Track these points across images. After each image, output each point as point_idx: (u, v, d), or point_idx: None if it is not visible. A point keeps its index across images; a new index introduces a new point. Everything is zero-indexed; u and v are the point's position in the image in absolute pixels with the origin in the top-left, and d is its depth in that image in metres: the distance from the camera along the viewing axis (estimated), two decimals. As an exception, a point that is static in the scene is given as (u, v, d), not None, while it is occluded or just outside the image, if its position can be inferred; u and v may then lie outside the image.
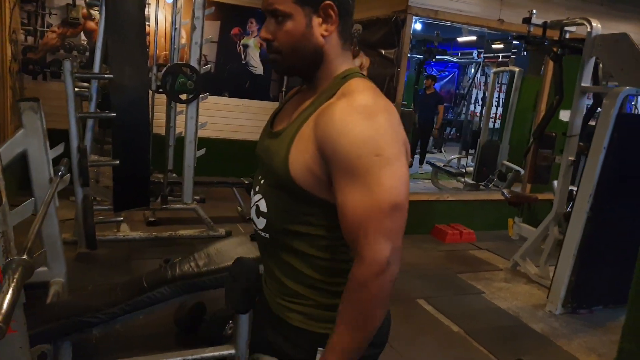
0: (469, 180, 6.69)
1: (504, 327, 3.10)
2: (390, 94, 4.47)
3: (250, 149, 6.88)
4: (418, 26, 7.13)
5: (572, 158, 3.59)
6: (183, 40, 4.93)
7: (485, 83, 8.82)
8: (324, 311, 1.01)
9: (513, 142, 6.46)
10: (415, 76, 7.70)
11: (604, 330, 3.20)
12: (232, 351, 2.28)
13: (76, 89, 3.28)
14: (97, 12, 5.14)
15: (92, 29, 5.22)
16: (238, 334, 2.27)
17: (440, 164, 7.63)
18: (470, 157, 7.73)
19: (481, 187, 6.37)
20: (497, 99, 7.67)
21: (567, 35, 3.70)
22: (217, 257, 2.16)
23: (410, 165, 1.05)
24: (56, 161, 2.50)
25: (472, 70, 10.08)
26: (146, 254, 3.71)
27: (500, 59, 8.63)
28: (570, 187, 3.76)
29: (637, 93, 3.13)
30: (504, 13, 4.48)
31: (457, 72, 11.54)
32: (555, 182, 4.14)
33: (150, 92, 3.78)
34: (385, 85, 4.53)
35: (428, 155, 8.60)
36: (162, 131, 4.80)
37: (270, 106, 6.32)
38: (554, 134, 3.79)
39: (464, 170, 7.31)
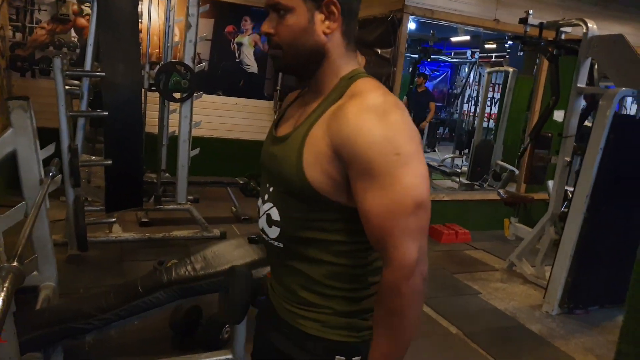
0: (464, 180, 6.69)
1: (502, 328, 3.09)
2: (385, 94, 4.45)
3: (245, 148, 6.89)
4: (412, 25, 7.11)
5: (568, 158, 3.59)
6: (176, 38, 4.87)
7: (479, 82, 8.83)
8: (340, 318, 0.99)
9: (507, 142, 6.47)
10: (410, 76, 7.69)
11: (600, 331, 3.20)
12: (230, 356, 2.24)
13: (67, 87, 3.22)
14: (88, 9, 5.08)
15: (82, 25, 5.14)
16: (235, 338, 2.24)
17: (434, 164, 7.62)
18: (464, 157, 7.73)
19: (476, 186, 6.37)
20: (490, 99, 7.68)
21: (563, 36, 3.70)
22: (214, 261, 2.11)
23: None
24: (47, 161, 2.43)
25: (466, 69, 10.08)
26: (139, 256, 3.65)
27: (493, 59, 8.64)
28: (564, 188, 3.76)
29: (632, 94, 3.12)
30: (500, 13, 4.47)
31: (449, 72, 11.54)
32: (550, 182, 4.14)
33: (142, 90, 3.72)
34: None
35: (422, 155, 8.57)
36: (155, 130, 4.73)
37: (265, 105, 6.28)
38: (550, 134, 3.78)
39: (458, 170, 7.31)
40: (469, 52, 9.37)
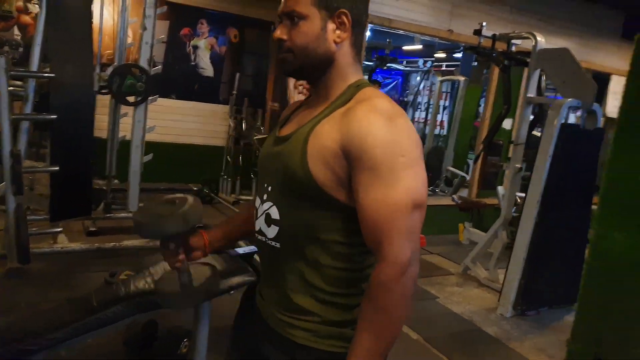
0: (417, 186, 6.82)
1: (460, 332, 3.15)
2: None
3: (198, 153, 6.76)
4: (367, 33, 7.22)
5: (518, 165, 3.73)
6: (129, 40, 4.68)
7: (431, 90, 9.08)
8: (331, 327, 0.99)
9: (458, 149, 6.67)
10: (365, 83, 7.79)
11: (550, 331, 3.33)
12: (190, 370, 2.15)
13: (10, 88, 3.02)
14: (33, 6, 4.80)
15: (26, 23, 4.85)
16: (195, 351, 2.15)
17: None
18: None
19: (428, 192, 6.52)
20: (442, 107, 7.91)
21: (514, 48, 3.86)
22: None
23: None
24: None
25: (417, 78, 10.35)
26: (88, 267, 3.46)
27: (444, 68, 8.92)
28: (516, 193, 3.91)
29: (578, 104, 3.29)
30: (454, 24, 4.62)
31: (400, 80, 11.80)
32: (500, 188, 4.30)
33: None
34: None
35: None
36: (103, 134, 4.52)
37: (220, 109, 6.16)
38: (501, 142, 3.93)
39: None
40: (420, 61, 9.61)
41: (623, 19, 5.76)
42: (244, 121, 6.06)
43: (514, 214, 3.87)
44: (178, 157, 5.74)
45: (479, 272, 4.04)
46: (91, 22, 3.42)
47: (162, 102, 5.26)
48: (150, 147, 4.19)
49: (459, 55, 8.08)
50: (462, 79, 6.55)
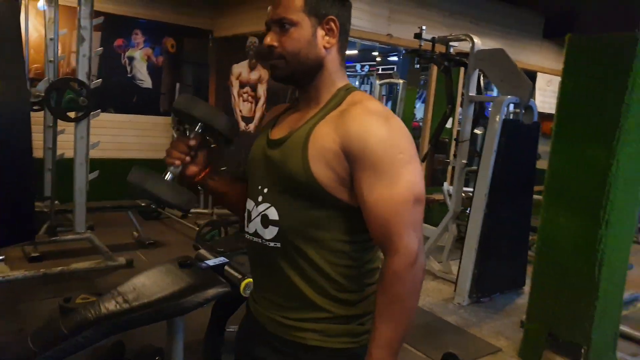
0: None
1: (423, 323, 3.26)
2: (292, 107, 4.50)
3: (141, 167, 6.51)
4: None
5: (464, 161, 3.92)
6: (60, 52, 4.46)
7: (370, 93, 9.33)
8: (339, 325, 1.01)
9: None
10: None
11: (504, 314, 3.53)
12: (166, 389, 2.09)
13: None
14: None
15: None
16: (172, 369, 2.09)
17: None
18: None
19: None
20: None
21: (452, 50, 4.06)
22: (146, 290, 1.96)
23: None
24: None
25: (357, 82, 10.59)
26: (36, 295, 3.25)
27: (380, 72, 9.19)
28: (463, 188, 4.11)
29: (516, 101, 3.53)
30: (392, 28, 4.78)
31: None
32: (445, 184, 4.50)
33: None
34: (288, 97, 4.54)
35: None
36: (37, 153, 4.25)
37: (161, 121, 5.99)
38: (446, 139, 4.12)
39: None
40: (358, 66, 9.85)
41: (544, 21, 6.23)
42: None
43: (462, 208, 4.06)
44: (119, 173, 5.46)
45: (433, 266, 4.20)
46: (20, 34, 3.23)
47: (100, 116, 5.06)
48: (90, 164, 3.99)
49: (394, 58, 8.35)
50: (400, 81, 6.78)
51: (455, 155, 3.95)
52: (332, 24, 1.03)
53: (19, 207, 3.16)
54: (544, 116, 4.89)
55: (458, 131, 4.08)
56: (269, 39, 1.03)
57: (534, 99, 6.00)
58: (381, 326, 0.94)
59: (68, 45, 5.42)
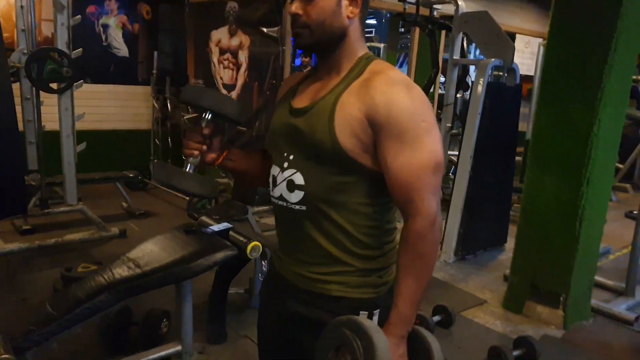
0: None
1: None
2: (276, 74, 4.49)
3: (123, 138, 6.43)
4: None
5: (449, 124, 4.03)
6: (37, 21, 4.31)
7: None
8: (360, 277, 1.09)
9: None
10: (293, 55, 7.80)
11: (488, 269, 3.72)
12: (179, 347, 2.18)
13: None
14: None
15: None
16: (183, 329, 2.18)
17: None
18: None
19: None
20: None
21: (435, 13, 4.10)
22: (155, 255, 2.02)
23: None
24: None
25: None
26: (33, 267, 3.27)
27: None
28: (447, 152, 4.22)
29: (500, 64, 3.61)
30: (376, -8, 4.76)
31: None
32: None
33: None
34: (271, 64, 4.53)
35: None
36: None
37: (140, 90, 5.89)
38: (431, 103, 4.19)
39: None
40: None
41: (523, -18, 6.28)
42: (168, 101, 5.86)
43: (445, 172, 4.19)
44: (102, 145, 5.43)
45: (419, 226, 4.34)
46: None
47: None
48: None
49: (373, 21, 8.31)
50: (381, 45, 6.79)
51: (439, 119, 4.04)
52: None
53: (9, 180, 3.14)
54: (522, 78, 5.01)
55: (440, 95, 4.17)
56: (293, 7, 1.03)
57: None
58: (406, 281, 1.02)
59: (38, 13, 5.22)
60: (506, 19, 6.09)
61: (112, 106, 5.76)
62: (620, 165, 4.84)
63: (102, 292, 1.84)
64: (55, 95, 3.60)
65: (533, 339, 2.44)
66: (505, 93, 3.73)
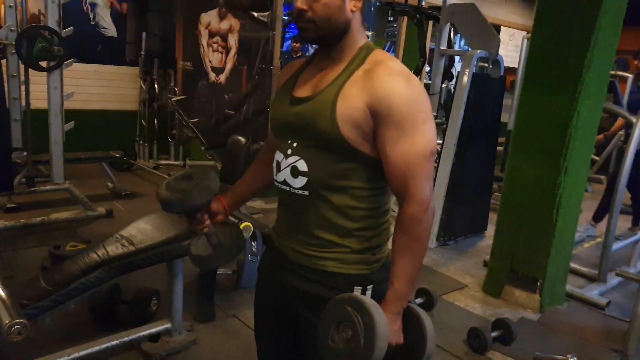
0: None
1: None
2: (266, 59, 4.51)
3: (109, 118, 6.37)
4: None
5: (434, 114, 4.10)
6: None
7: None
8: (355, 255, 1.15)
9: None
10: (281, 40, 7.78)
11: (468, 255, 3.84)
12: (168, 325, 2.24)
13: None
14: None
15: None
16: (173, 307, 2.24)
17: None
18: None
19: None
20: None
21: (424, 3, 4.15)
22: (149, 233, 2.07)
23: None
24: None
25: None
26: (19, 245, 3.28)
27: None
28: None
29: (485, 55, 3.69)
30: (366, -20, 4.78)
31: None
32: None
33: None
34: (261, 49, 4.54)
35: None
36: None
37: (128, 71, 5.84)
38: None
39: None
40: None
41: (510, -24, 6.37)
42: (155, 83, 5.83)
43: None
44: (87, 125, 5.39)
45: (403, 213, 4.44)
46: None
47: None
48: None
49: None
50: (369, 33, 6.81)
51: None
52: None
53: (-4, 158, 3.14)
54: (506, 70, 5.11)
55: (426, 84, 4.24)
56: (299, 3, 1.06)
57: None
58: (402, 261, 1.08)
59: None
60: (492, 11, 6.18)
61: (99, 86, 5.70)
62: (597, 158, 4.98)
63: (97, 269, 1.89)
64: (40, 73, 3.58)
65: (510, 321, 2.55)
66: (489, 84, 3.82)
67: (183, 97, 5.67)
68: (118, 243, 2.00)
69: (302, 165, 1.11)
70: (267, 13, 4.47)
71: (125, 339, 2.08)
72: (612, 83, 3.58)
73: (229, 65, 5.31)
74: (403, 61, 4.51)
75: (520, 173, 2.96)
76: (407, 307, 1.12)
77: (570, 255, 3.17)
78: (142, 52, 5.68)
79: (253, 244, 2.83)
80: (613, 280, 3.41)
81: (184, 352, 2.27)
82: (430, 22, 4.96)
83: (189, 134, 5.55)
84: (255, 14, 4.59)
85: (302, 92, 1.14)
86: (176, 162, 5.86)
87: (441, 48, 3.97)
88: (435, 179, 3.87)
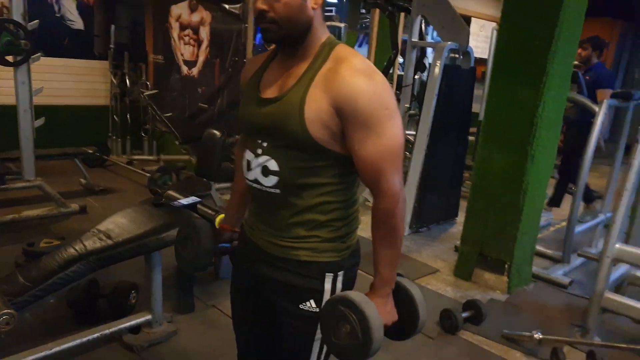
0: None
1: (369, 252, 3.59)
2: (239, 51, 4.51)
3: (80, 114, 6.27)
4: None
5: (407, 105, 4.19)
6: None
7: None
8: (326, 243, 1.19)
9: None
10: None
11: (440, 241, 3.96)
12: (149, 317, 2.26)
13: None
14: None
15: None
16: (153, 299, 2.26)
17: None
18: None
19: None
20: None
21: (395, -5, 4.21)
22: (126, 227, 2.08)
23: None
24: None
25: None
26: (-11, 243, 3.23)
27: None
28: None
29: (456, 47, 3.78)
30: (337, -28, 4.81)
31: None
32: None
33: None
34: (233, 41, 4.54)
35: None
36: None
37: (97, 65, 5.74)
38: (391, 84, 4.34)
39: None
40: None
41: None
42: (126, 77, 5.75)
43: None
44: (57, 120, 5.28)
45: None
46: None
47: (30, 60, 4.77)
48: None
49: (334, 0, 8.32)
50: (342, 25, 6.84)
51: (398, 100, 4.19)
52: None
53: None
54: (477, 61, 5.23)
55: (400, 76, 4.31)
56: (260, 4, 1.06)
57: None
58: (382, 250, 1.15)
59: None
60: (462, 3, 6.29)
61: (67, 81, 5.59)
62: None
63: (75, 263, 1.90)
64: (7, 69, 3.50)
65: (480, 303, 2.67)
66: (460, 75, 3.91)
67: (155, 91, 5.62)
68: (95, 237, 2.01)
69: (273, 165, 1.14)
70: (238, 5, 4.47)
71: (107, 331, 2.10)
72: (576, 74, 3.72)
73: (201, 58, 5.28)
74: (376, 53, 4.58)
75: (489, 162, 3.07)
76: (395, 284, 1.19)
77: (536, 238, 3.30)
78: (112, 46, 5.59)
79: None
80: (576, 260, 3.58)
81: (165, 343, 2.30)
82: (402, 14, 5.04)
83: (163, 128, 5.51)
84: (227, 6, 4.57)
85: (269, 92, 1.16)
86: (150, 157, 5.80)
87: (413, 40, 4.04)
88: (408, 169, 3.97)
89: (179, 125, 5.25)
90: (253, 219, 1.29)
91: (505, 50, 2.92)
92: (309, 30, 1.11)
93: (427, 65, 4.59)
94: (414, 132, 3.97)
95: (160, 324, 2.32)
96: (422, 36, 4.18)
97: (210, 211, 2.12)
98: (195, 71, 5.36)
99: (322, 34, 1.14)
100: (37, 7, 5.19)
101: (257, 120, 1.16)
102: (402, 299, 1.21)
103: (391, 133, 1.08)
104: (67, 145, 4.82)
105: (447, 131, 3.96)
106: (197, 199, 2.39)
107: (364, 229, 1.22)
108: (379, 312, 1.11)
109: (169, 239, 2.08)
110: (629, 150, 2.57)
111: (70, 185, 4.52)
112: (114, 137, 5.78)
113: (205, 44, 5.23)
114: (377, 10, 5.03)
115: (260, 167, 1.16)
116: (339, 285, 1.20)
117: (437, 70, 3.66)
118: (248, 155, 1.19)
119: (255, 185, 1.19)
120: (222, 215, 1.88)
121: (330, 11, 8.39)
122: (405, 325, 1.22)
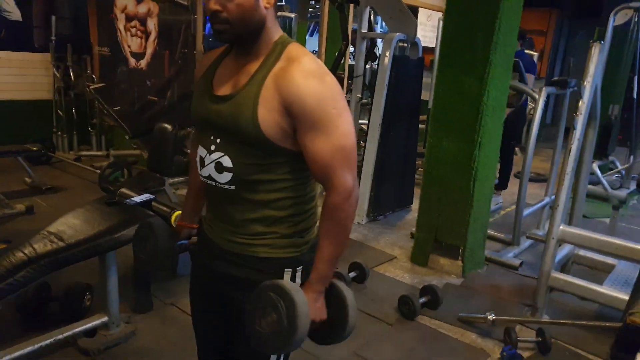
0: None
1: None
2: (189, 43, 4.41)
3: (21, 109, 6.00)
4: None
5: (359, 95, 4.25)
6: None
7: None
8: (284, 239, 1.21)
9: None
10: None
11: (396, 229, 4.06)
12: (105, 318, 2.22)
13: None
14: None
15: None
16: (109, 300, 2.22)
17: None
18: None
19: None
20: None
21: (345, -14, 4.23)
22: (79, 228, 2.02)
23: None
24: None
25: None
26: None
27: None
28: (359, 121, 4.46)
29: (404, 38, 3.86)
30: (287, -38, 4.78)
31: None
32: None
33: None
34: (182, 33, 4.43)
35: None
36: None
37: (39, 58, 5.47)
38: (342, 74, 4.38)
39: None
40: None
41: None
42: (70, 70, 5.51)
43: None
44: (-1, 116, 5.04)
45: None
46: None
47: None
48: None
49: (284, -9, 8.25)
50: (292, 15, 6.81)
51: (350, 90, 4.24)
52: None
53: None
54: (425, 49, 5.35)
55: (351, 65, 4.35)
56: (213, 4, 1.06)
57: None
58: (327, 245, 1.15)
59: None
60: (410, -7, 6.39)
61: (7, 75, 5.31)
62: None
63: (24, 268, 1.84)
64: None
65: (437, 287, 2.76)
66: (409, 65, 4.00)
67: (102, 84, 5.42)
68: (46, 240, 1.94)
69: (227, 161, 1.14)
70: (187, -4, 4.36)
71: (60, 336, 2.04)
72: (517, 63, 3.88)
73: (149, 50, 5.12)
74: (327, 43, 4.58)
75: (439, 149, 3.17)
76: (330, 285, 1.20)
77: (487, 223, 3.45)
78: (53, 37, 5.33)
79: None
80: (525, 242, 3.77)
81: (123, 344, 2.26)
82: (352, 5, 5.07)
83: (111, 122, 5.33)
84: (175, -3, 4.45)
85: (222, 89, 1.16)
86: (99, 153, 5.61)
87: (362, 32, 4.09)
88: (363, 158, 4.04)
89: (128, 118, 5.09)
90: (210, 216, 1.29)
91: (450, 42, 3.02)
92: (262, 29, 1.12)
93: (377, 54, 4.65)
94: (367, 122, 4.03)
95: (117, 326, 2.28)
96: (371, 27, 4.23)
97: (165, 208, 2.09)
98: (143, 63, 5.20)
99: (274, 32, 1.15)
100: (-33, -3, 4.90)
101: (210, 117, 1.16)
102: (335, 302, 1.20)
103: (340, 131, 1.09)
104: (8, 142, 4.58)
105: (398, 120, 4.05)
106: (152, 197, 2.35)
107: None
108: (309, 306, 1.11)
109: (125, 239, 2.04)
110: (568, 133, 2.72)
111: (14, 184, 4.32)
112: (59, 133, 5.54)
113: (153, 35, 5.07)
114: (327, 1, 5.03)
115: (214, 163, 1.16)
116: (298, 280, 1.22)
117: (386, 61, 3.73)
118: (201, 151, 1.19)
119: (209, 181, 1.19)
120: (178, 212, 1.86)
121: (281, 1, 8.34)
122: (332, 330, 1.22)
